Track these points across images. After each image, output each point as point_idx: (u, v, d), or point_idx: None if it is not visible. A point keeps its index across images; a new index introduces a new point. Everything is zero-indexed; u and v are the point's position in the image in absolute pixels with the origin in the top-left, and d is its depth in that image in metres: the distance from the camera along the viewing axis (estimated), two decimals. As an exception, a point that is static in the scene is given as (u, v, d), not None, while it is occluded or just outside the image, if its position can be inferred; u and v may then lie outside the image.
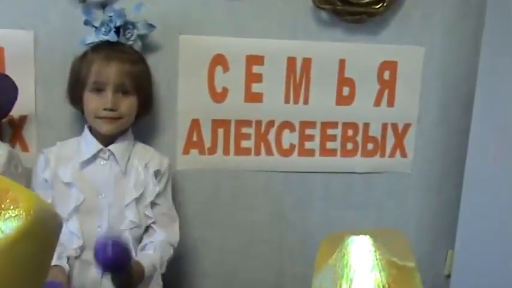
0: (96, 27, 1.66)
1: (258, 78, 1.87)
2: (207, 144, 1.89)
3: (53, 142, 1.72)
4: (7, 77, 1.66)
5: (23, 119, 1.80)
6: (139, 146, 1.73)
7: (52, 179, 1.63)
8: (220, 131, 1.89)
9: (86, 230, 1.61)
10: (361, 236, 0.92)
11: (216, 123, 1.88)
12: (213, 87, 1.85)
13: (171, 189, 1.76)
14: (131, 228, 1.63)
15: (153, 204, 1.67)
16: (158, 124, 1.85)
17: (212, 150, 1.89)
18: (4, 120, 1.78)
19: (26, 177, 1.69)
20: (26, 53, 1.76)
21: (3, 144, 1.66)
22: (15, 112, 1.76)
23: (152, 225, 1.67)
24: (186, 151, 1.88)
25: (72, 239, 1.60)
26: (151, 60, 1.77)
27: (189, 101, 1.85)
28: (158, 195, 1.67)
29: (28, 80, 1.77)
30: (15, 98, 1.68)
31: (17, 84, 1.66)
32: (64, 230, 1.58)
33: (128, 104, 1.63)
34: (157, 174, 1.68)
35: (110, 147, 1.65)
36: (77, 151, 1.66)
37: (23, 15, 1.74)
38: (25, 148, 1.82)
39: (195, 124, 1.87)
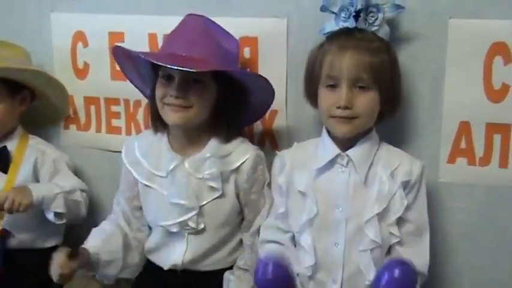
0: (335, 13, 1.46)
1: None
2: (479, 153, 1.54)
3: (304, 140, 1.59)
4: (265, 79, 1.53)
5: (273, 114, 1.71)
6: (385, 149, 1.48)
7: (287, 186, 1.49)
8: (497, 138, 1.51)
9: (320, 248, 1.44)
10: None
11: (492, 128, 1.51)
12: (490, 83, 1.49)
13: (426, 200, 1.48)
14: (372, 249, 1.41)
15: (399, 219, 1.42)
16: (417, 126, 1.58)
17: (485, 160, 1.54)
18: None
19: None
20: (278, 43, 1.66)
21: (250, 147, 1.58)
22: (266, 107, 1.67)
23: (396, 245, 1.43)
24: (451, 160, 1.57)
25: (304, 256, 1.45)
26: (409, 49, 1.52)
27: (458, 99, 1.53)
28: (407, 208, 1.42)
29: (280, 73, 1.67)
30: (271, 102, 1.59)
31: (268, 77, 1.54)
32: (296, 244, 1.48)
33: (365, 101, 1.38)
34: (406, 185, 1.42)
35: (349, 152, 1.43)
36: (313, 155, 1.49)
37: (277, 2, 1.64)
38: (275, 146, 1.73)
39: (464, 128, 1.53)
